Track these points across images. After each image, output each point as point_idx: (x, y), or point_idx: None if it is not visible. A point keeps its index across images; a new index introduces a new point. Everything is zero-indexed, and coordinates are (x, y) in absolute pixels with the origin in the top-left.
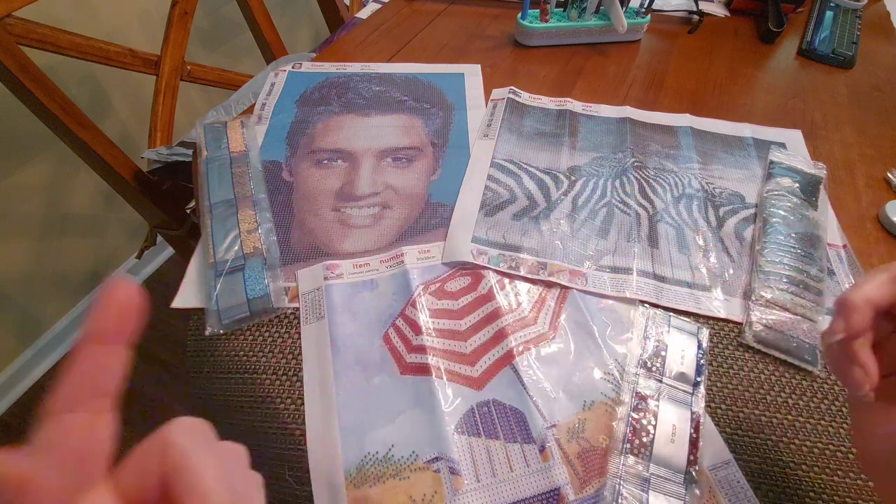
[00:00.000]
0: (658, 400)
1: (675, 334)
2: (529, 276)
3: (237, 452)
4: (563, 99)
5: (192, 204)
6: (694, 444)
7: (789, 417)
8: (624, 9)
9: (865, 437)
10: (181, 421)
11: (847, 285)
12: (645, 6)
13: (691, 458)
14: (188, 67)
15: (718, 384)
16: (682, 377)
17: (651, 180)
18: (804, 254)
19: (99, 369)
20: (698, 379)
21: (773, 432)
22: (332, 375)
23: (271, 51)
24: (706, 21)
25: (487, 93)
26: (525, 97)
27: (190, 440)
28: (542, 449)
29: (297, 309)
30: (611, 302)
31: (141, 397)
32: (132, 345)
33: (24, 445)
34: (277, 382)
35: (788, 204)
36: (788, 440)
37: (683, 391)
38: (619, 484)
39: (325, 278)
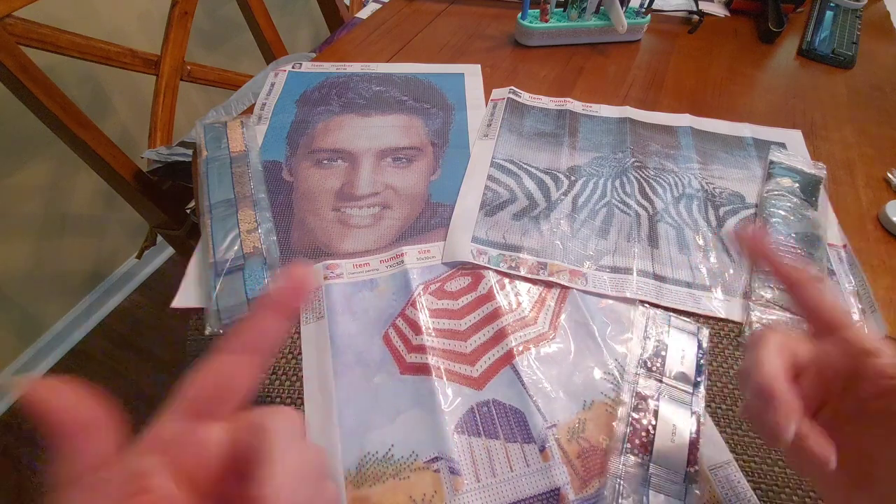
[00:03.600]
0: (658, 400)
1: (675, 334)
2: (529, 276)
3: (320, 458)
4: (563, 99)
5: (192, 204)
6: (694, 443)
7: None
8: (624, 9)
9: None
10: (283, 410)
11: (847, 285)
12: (645, 6)
13: (691, 457)
14: (188, 67)
15: (718, 384)
16: (682, 377)
17: (651, 180)
18: (804, 254)
19: (261, 333)
20: (698, 379)
21: None
22: (332, 375)
23: (271, 51)
24: (706, 21)
25: (487, 93)
26: (525, 97)
27: (283, 433)
28: (543, 449)
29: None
30: (611, 302)
31: (141, 397)
32: (293, 318)
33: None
34: (277, 382)
35: (788, 204)
36: None
37: (683, 391)
38: (619, 484)
39: (325, 278)
